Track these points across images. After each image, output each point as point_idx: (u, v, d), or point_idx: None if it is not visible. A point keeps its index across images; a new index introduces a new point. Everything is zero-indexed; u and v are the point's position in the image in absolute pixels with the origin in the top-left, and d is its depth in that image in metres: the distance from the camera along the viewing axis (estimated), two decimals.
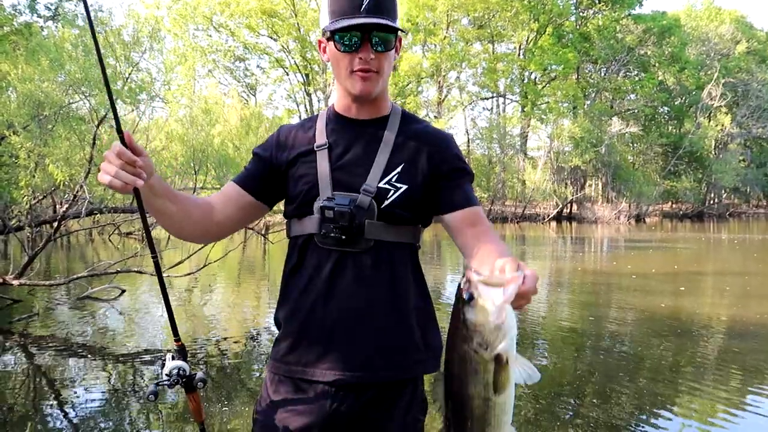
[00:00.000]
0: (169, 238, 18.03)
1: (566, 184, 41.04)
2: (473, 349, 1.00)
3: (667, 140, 44.39)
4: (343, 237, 1.35)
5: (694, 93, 44.80)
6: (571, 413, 4.32)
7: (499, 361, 1.00)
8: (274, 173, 1.48)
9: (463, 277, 1.03)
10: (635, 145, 45.40)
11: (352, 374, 1.37)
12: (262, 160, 1.50)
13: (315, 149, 1.43)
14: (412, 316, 1.44)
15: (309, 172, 1.42)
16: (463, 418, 1.06)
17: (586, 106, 42.98)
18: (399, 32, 1.39)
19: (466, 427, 1.06)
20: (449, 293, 10.75)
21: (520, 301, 1.02)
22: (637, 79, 44.04)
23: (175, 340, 1.52)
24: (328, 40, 1.39)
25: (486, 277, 1.00)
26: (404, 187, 1.38)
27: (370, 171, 1.39)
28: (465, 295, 1.00)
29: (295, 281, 1.46)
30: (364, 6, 1.31)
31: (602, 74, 44.45)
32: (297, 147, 1.47)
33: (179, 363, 1.47)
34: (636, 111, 42.86)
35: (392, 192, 1.38)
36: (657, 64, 43.47)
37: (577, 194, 40.70)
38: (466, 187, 1.45)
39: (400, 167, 1.39)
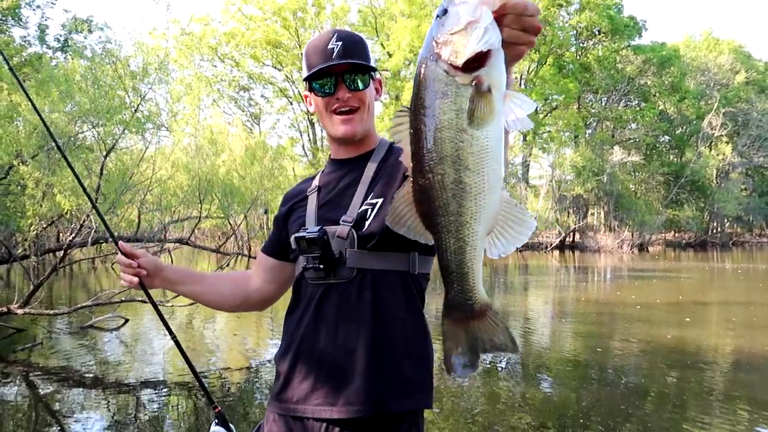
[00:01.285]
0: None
1: (568, 212, 41.09)
2: (443, 68, 0.81)
3: (668, 169, 44.52)
4: (321, 266, 1.36)
5: (694, 122, 45.08)
6: None
7: (478, 85, 0.80)
8: (284, 230, 1.59)
9: None
10: (637, 173, 45.51)
11: (340, 410, 1.33)
12: (276, 222, 1.64)
13: (308, 194, 1.53)
14: (400, 348, 1.39)
15: (300, 214, 1.51)
16: (429, 159, 0.82)
17: (587, 135, 43.26)
18: (376, 73, 1.49)
19: (436, 170, 0.83)
20: None
21: (507, 16, 0.86)
22: (637, 108, 44.39)
23: (213, 407, 1.60)
24: (310, 90, 1.48)
25: None
26: (380, 201, 1.38)
27: (351, 202, 1.42)
28: (437, 14, 0.84)
29: (290, 318, 1.50)
30: (334, 53, 1.39)
31: (603, 104, 44.85)
32: (296, 197, 1.58)
33: (222, 430, 1.54)
34: (637, 140, 43.09)
35: (369, 210, 1.39)
36: (657, 94, 43.85)
37: (579, 223, 40.71)
38: None
39: (377, 186, 1.42)
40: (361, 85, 1.43)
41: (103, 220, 1.80)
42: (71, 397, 5.79)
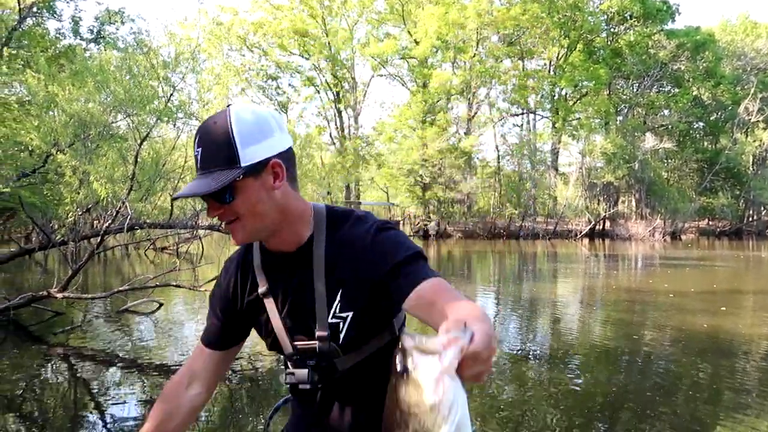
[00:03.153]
0: (203, 253, 18.36)
1: (599, 200, 40.54)
2: None
3: (702, 156, 43.56)
4: (319, 386, 1.36)
5: (730, 108, 43.93)
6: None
7: None
8: (230, 320, 1.44)
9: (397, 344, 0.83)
10: (669, 160, 44.65)
11: None
12: (216, 311, 1.45)
13: (260, 295, 1.37)
14: None
15: (265, 324, 1.39)
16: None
17: (618, 122, 42.50)
18: (265, 165, 1.22)
19: None
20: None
21: (471, 367, 0.81)
22: (670, 94, 43.42)
23: None
24: None
25: (420, 342, 0.80)
26: (350, 314, 1.30)
27: (316, 312, 1.31)
28: (398, 368, 0.80)
29: (291, 407, 1.54)
30: (198, 163, 1.20)
31: (635, 89, 43.98)
32: (243, 290, 1.41)
33: None
34: (670, 126, 42.21)
35: (341, 324, 1.30)
36: (691, 79, 42.79)
37: (609, 211, 40.13)
38: (411, 268, 1.23)
39: (339, 293, 1.30)
40: (229, 198, 1.20)
41: None
42: (108, 379, 5.96)
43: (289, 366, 1.39)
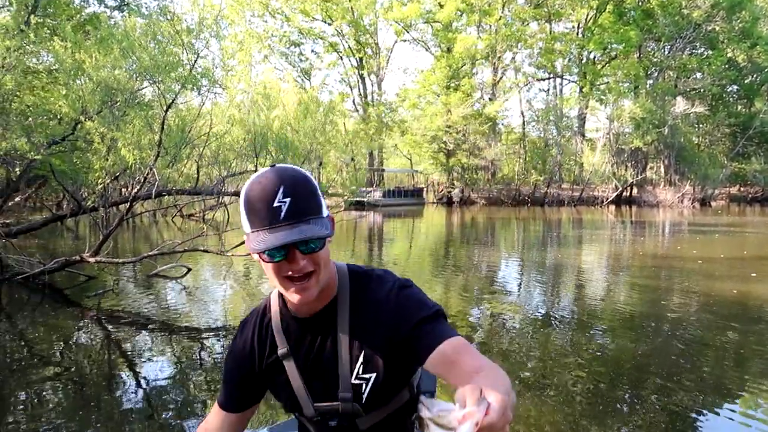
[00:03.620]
0: (229, 219, 18.59)
1: (626, 166, 39.86)
2: None
3: (735, 120, 42.30)
4: None
5: (766, 70, 42.44)
6: (629, 398, 4.26)
7: None
8: (247, 382, 1.44)
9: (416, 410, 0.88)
10: (701, 125, 43.48)
11: None
12: (234, 374, 1.45)
13: (280, 357, 1.38)
14: None
15: (285, 386, 1.39)
16: None
17: (648, 86, 41.41)
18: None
19: None
20: (502, 279, 10.69)
21: None
22: (704, 56, 42.03)
23: None
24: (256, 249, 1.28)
25: (436, 414, 0.83)
26: (372, 375, 1.31)
27: (339, 374, 1.32)
28: None
29: None
30: (282, 214, 1.18)
31: (666, 52, 42.67)
32: (261, 355, 1.41)
33: None
34: (702, 90, 41.01)
35: (364, 386, 1.32)
36: (726, 41, 41.32)
37: (637, 177, 39.46)
38: (432, 326, 1.25)
39: (362, 356, 1.31)
40: (317, 247, 1.22)
41: None
42: (140, 341, 6.14)
43: (308, 426, 1.43)
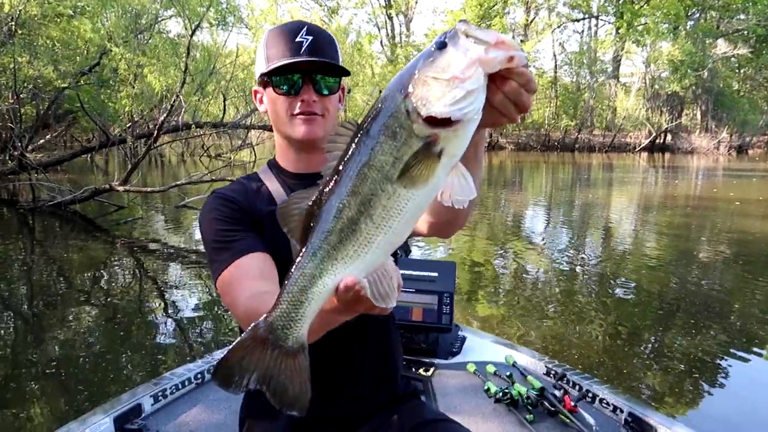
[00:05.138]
0: (255, 159, 18.61)
1: (661, 111, 38.63)
2: (407, 107, 0.70)
3: None
4: None
5: None
6: (655, 344, 4.13)
7: (431, 144, 0.69)
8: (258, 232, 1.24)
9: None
10: (742, 69, 41.69)
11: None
12: (235, 223, 1.23)
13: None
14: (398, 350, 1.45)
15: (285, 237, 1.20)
16: (343, 184, 0.72)
17: (688, 27, 39.61)
18: (343, 77, 1.27)
19: (341, 197, 0.72)
20: (529, 222, 10.56)
21: (512, 86, 0.73)
22: None
23: None
24: (265, 86, 1.26)
25: (471, 28, 0.70)
26: None
27: None
28: (435, 43, 0.72)
29: None
30: (304, 48, 1.19)
31: None
32: (260, 209, 1.25)
33: None
34: (746, 32, 39.06)
35: None
36: None
37: (672, 123, 38.30)
38: None
39: None
40: (327, 90, 1.23)
41: None
42: (168, 270, 6.22)
43: None
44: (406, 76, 0.72)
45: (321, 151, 1.03)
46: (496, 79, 0.71)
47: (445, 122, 0.69)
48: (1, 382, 3.46)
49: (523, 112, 0.76)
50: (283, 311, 0.77)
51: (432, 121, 0.69)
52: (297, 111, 1.21)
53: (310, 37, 1.20)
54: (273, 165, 1.35)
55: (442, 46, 0.70)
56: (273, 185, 1.30)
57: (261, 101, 1.31)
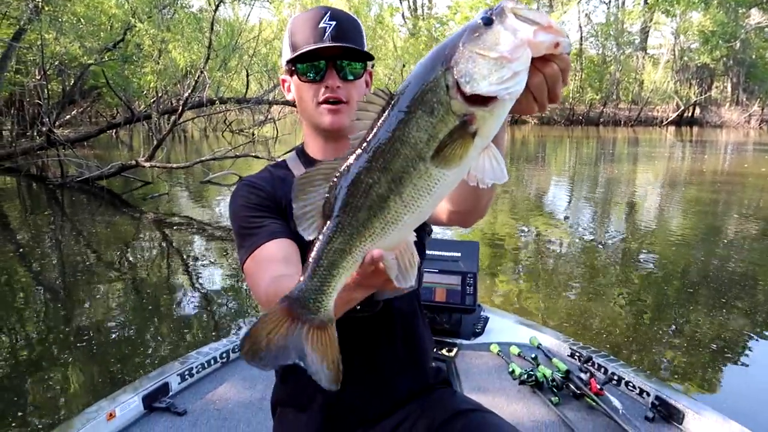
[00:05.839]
0: (277, 135, 18.66)
1: (690, 84, 37.66)
2: (448, 82, 0.68)
3: None
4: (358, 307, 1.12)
5: None
6: (681, 323, 4.09)
7: (467, 123, 0.68)
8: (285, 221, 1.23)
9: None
10: None
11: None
12: (261, 210, 1.23)
13: None
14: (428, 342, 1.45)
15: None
16: (373, 158, 0.71)
17: None
18: (368, 62, 1.26)
19: (371, 172, 0.71)
20: (552, 196, 10.46)
21: (553, 69, 0.71)
22: None
23: None
24: (291, 74, 1.26)
25: (520, 8, 0.70)
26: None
27: None
28: (481, 18, 0.70)
29: None
30: (327, 33, 1.20)
31: None
32: (286, 196, 1.23)
33: None
34: None
35: None
36: None
37: (701, 96, 37.34)
38: None
39: None
40: (352, 76, 1.23)
41: None
42: (195, 246, 6.31)
43: None
44: (448, 49, 0.70)
45: (348, 140, 1.08)
46: (536, 61, 0.70)
47: (485, 101, 0.68)
48: (35, 355, 3.57)
49: (554, 102, 0.75)
50: (315, 284, 0.77)
51: (472, 99, 0.68)
52: (322, 98, 1.22)
53: (334, 22, 1.21)
54: (301, 153, 1.36)
55: (488, 22, 0.69)
56: (300, 174, 1.29)
57: (288, 90, 1.31)
